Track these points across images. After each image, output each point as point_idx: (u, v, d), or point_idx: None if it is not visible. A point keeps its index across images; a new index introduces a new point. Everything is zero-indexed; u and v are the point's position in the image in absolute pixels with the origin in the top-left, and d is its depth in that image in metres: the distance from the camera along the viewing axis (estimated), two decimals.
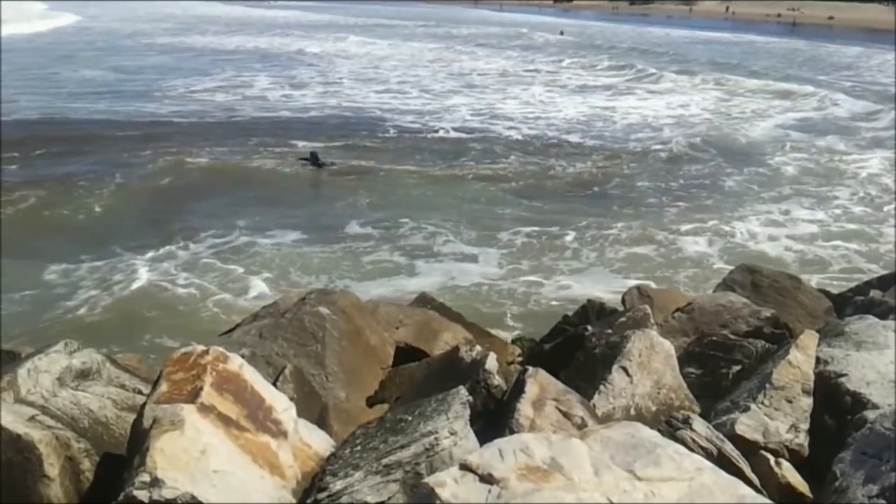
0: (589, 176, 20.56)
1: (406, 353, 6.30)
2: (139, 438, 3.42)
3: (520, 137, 25.50)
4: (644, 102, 33.81)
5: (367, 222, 15.87)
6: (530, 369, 4.50)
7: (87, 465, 3.75)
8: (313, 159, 20.40)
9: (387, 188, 18.88)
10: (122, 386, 4.37)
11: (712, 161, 22.02)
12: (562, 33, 73.88)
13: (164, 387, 3.62)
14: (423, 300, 7.54)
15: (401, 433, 3.72)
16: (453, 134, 26.14)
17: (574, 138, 25.49)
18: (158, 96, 33.35)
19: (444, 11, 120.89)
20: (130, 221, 15.61)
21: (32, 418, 3.77)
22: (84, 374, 4.25)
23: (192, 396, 3.52)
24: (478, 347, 5.45)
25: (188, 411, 3.40)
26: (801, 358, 4.73)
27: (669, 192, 18.89)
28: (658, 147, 23.97)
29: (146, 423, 3.42)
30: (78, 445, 3.74)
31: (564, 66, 48.05)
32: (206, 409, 3.47)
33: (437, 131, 26.39)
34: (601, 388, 4.88)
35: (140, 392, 4.35)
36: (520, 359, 7.17)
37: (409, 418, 3.86)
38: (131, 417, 4.09)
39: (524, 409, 4.16)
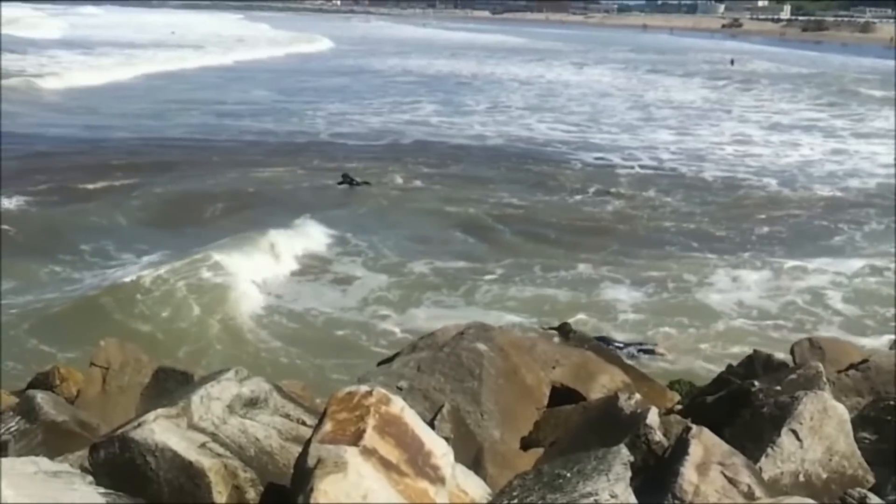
0: (659, 217, 20.15)
1: (561, 394, 6.18)
2: (303, 477, 3.46)
3: (688, 175, 24.77)
4: (855, 146, 31.34)
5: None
6: (694, 428, 4.31)
7: (252, 495, 3.83)
8: (346, 179, 21.89)
9: (383, 211, 19.76)
10: (287, 416, 4.47)
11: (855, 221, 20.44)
12: (732, 63, 70.88)
13: (328, 426, 3.66)
14: (581, 339, 7.38)
15: (559, 491, 3.61)
16: (635, 170, 25.73)
17: (767, 182, 24.39)
18: (310, 115, 34.82)
19: (614, 35, 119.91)
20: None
21: (203, 445, 3.89)
22: (252, 403, 4.38)
23: (356, 438, 3.54)
24: (637, 396, 5.27)
25: (351, 454, 3.42)
26: None
27: (717, 241, 18.30)
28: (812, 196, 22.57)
29: (310, 461, 3.47)
30: (245, 475, 3.84)
31: (758, 99, 46.16)
32: (369, 453, 3.48)
33: (620, 167, 26.00)
34: (769, 450, 4.65)
35: (304, 423, 4.44)
36: (679, 406, 6.89)
37: (568, 475, 3.74)
38: (294, 448, 4.18)
39: (688, 473, 3.97)
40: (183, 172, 22.98)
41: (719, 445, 4.23)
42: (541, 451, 5.35)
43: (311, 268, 15.54)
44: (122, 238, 16.87)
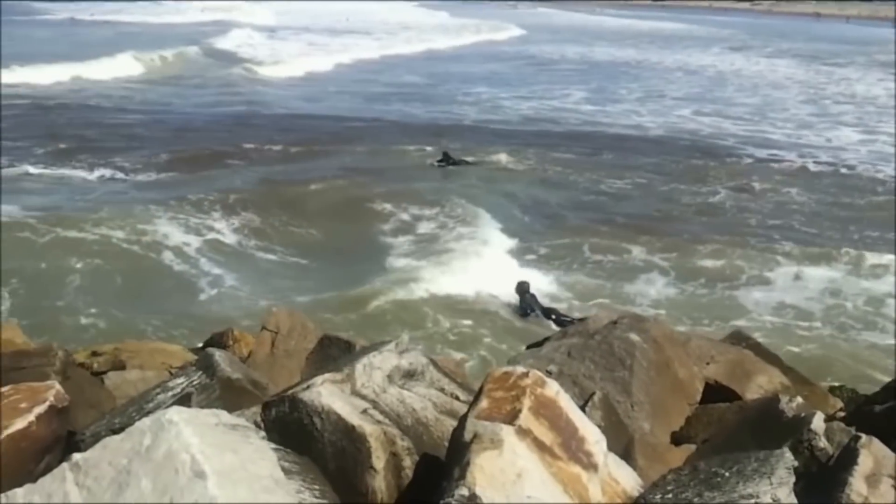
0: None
1: (715, 392, 6.03)
2: (459, 450, 3.56)
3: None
4: None
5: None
6: (863, 437, 4.12)
7: (408, 463, 3.96)
8: (445, 158, 22.34)
9: (468, 188, 20.01)
10: (442, 389, 4.60)
11: None
12: None
13: (484, 403, 3.75)
14: (738, 337, 7.16)
15: (717, 489, 3.54)
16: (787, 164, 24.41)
17: None
18: (460, 101, 35.15)
19: (784, 23, 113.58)
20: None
21: (365, 411, 4.06)
22: (410, 374, 4.53)
23: (511, 417, 3.60)
24: (798, 399, 5.07)
25: (507, 432, 3.48)
26: None
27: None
28: None
29: (467, 436, 3.56)
30: (402, 443, 3.97)
31: None
32: (524, 433, 3.53)
33: (777, 162, 24.81)
34: None
35: (457, 398, 4.56)
36: (841, 413, 6.56)
37: (726, 474, 3.66)
38: (448, 421, 4.29)
39: (857, 484, 3.79)
40: (313, 150, 24.16)
41: (890, 458, 4.03)
42: (692, 447, 5.24)
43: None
44: (234, 200, 17.92)
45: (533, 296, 12.68)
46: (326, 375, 4.14)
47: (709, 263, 15.19)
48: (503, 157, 23.44)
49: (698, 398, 5.84)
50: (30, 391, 3.88)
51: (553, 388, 3.89)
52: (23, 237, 14.08)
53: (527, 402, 3.70)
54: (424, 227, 17.06)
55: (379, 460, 3.88)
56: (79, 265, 13.43)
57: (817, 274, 14.79)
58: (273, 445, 3.76)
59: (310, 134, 26.21)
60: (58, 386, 3.96)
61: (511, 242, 16.10)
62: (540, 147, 25.27)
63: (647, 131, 29.53)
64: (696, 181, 21.82)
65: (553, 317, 12.44)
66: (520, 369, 3.92)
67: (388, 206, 18.07)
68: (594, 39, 75.49)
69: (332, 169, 21.57)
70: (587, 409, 4.74)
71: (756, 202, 20.12)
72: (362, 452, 3.86)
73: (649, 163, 24.02)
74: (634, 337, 5.67)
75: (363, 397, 4.22)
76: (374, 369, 4.37)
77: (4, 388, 3.86)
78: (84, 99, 32.00)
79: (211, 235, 15.72)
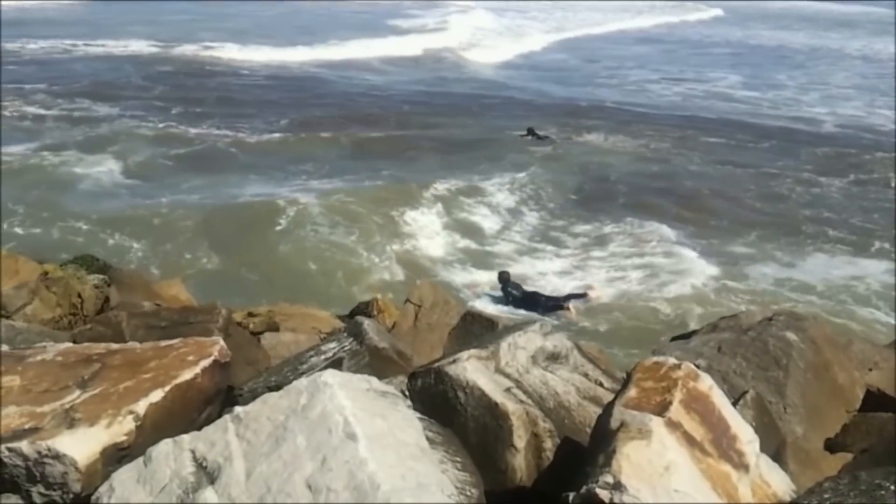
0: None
1: (876, 400, 5.65)
2: (604, 437, 3.50)
3: None
4: None
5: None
6: None
7: (548, 445, 3.94)
8: (531, 133, 23.75)
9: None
10: (586, 375, 4.54)
11: None
12: None
13: (632, 392, 3.67)
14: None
15: (879, 502, 3.32)
16: None
17: None
18: (603, 83, 34.36)
19: None
20: None
21: (508, 390, 4.06)
22: (554, 357, 4.49)
23: (661, 409, 3.51)
24: None
25: (656, 423, 3.39)
26: None
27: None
28: None
29: (613, 424, 3.49)
30: (544, 425, 3.95)
31: None
32: (674, 426, 3.43)
33: None
34: None
35: (601, 384, 4.49)
36: None
37: (892, 487, 3.43)
38: (591, 407, 4.23)
39: None
40: (435, 123, 25.04)
41: None
42: (848, 456, 4.96)
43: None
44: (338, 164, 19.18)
45: (516, 284, 12.34)
46: (472, 351, 4.16)
47: (743, 250, 14.87)
48: (620, 139, 23.51)
49: (858, 405, 5.51)
50: (197, 345, 4.11)
51: (706, 383, 3.75)
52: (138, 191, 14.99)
53: (678, 395, 3.59)
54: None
55: (520, 439, 3.88)
56: (187, 223, 14.27)
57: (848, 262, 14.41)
58: (419, 415, 3.83)
59: (437, 111, 27.05)
60: (222, 342, 4.18)
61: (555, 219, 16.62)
62: (674, 132, 24.55)
63: (820, 126, 27.83)
64: (842, 173, 20.58)
65: (540, 308, 12.12)
66: (671, 360, 3.80)
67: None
68: (762, 21, 71.80)
69: (425, 140, 22.79)
70: (738, 407, 4.55)
71: (841, 201, 19.15)
72: (504, 430, 3.86)
73: (807, 155, 22.79)
74: (791, 336, 5.39)
75: (507, 376, 4.22)
76: (518, 349, 4.36)
77: (175, 341, 4.12)
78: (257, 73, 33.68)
79: (310, 197, 16.38)
